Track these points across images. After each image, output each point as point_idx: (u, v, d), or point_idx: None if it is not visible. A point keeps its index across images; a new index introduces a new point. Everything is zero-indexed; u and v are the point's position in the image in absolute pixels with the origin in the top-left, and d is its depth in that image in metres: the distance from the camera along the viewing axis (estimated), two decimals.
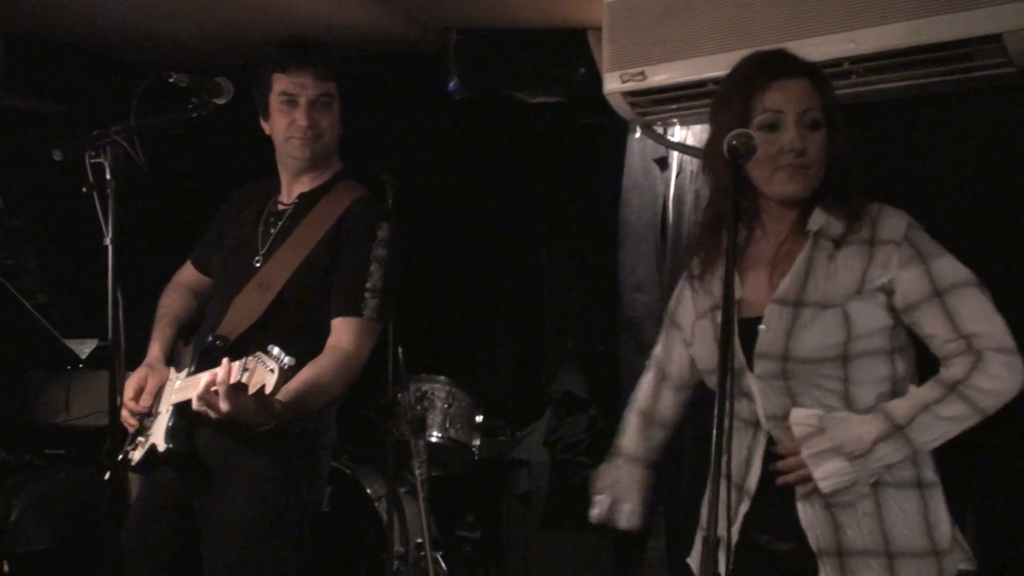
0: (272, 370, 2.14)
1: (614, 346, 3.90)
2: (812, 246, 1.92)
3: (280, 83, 2.59)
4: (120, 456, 2.56)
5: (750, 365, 1.93)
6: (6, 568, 3.71)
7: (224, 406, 2.22)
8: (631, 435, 2.27)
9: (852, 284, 1.87)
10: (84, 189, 2.35)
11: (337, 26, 3.71)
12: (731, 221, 1.76)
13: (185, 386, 2.49)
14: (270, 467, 2.48)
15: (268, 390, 2.14)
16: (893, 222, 1.90)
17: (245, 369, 2.20)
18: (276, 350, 2.16)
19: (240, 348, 2.45)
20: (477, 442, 4.11)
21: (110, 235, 2.36)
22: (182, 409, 2.46)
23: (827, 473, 1.84)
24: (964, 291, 1.85)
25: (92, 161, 2.34)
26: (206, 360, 2.47)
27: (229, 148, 3.64)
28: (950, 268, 1.87)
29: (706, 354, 2.03)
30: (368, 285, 2.52)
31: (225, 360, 2.23)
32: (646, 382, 2.28)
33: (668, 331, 2.23)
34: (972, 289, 1.86)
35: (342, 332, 2.50)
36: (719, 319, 1.80)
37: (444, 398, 4.03)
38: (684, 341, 2.17)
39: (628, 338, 3.77)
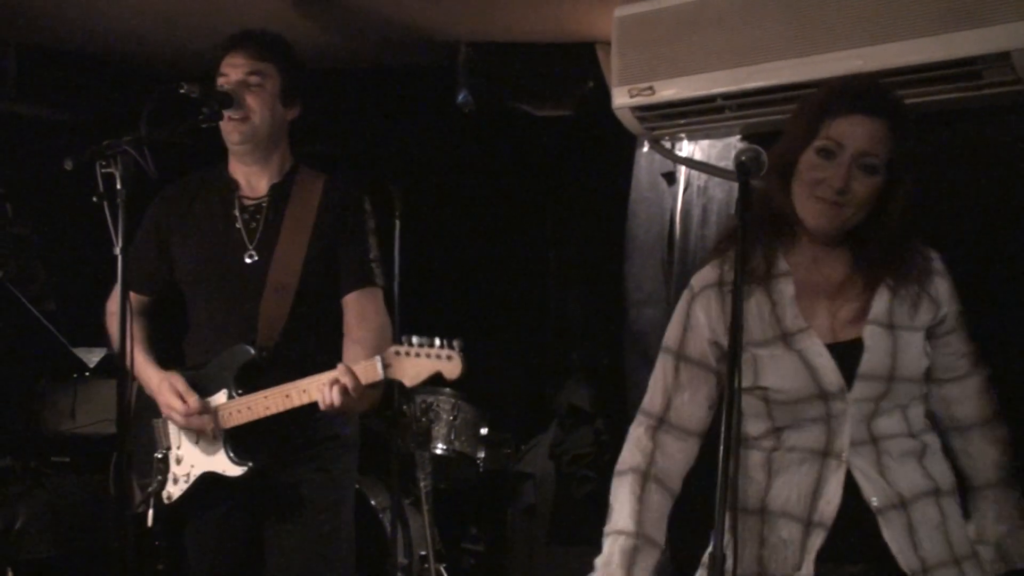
0: (449, 357, 2.20)
1: (620, 359, 3.90)
2: (897, 276, 1.92)
3: (220, 66, 2.62)
4: (147, 493, 2.58)
5: (849, 387, 1.89)
6: None
7: (339, 400, 2.30)
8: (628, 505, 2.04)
9: (926, 321, 1.94)
10: (94, 198, 2.34)
11: (347, 38, 3.72)
12: (741, 236, 1.75)
13: (239, 407, 2.46)
14: (334, 477, 2.59)
15: (456, 375, 2.20)
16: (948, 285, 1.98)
17: (386, 365, 2.26)
18: (416, 339, 2.22)
19: (279, 357, 2.48)
20: (482, 454, 4.10)
21: (120, 244, 2.36)
22: (239, 432, 2.47)
23: None
24: None
25: (102, 170, 2.33)
26: (249, 375, 2.46)
27: None
28: None
29: (794, 383, 1.91)
30: (372, 256, 2.60)
31: (342, 366, 2.30)
32: (640, 436, 2.05)
33: (677, 369, 2.03)
34: None
35: (365, 304, 2.55)
36: (800, 345, 1.88)
37: (449, 410, 4.02)
38: (707, 372, 2.01)
39: (634, 351, 3.77)
